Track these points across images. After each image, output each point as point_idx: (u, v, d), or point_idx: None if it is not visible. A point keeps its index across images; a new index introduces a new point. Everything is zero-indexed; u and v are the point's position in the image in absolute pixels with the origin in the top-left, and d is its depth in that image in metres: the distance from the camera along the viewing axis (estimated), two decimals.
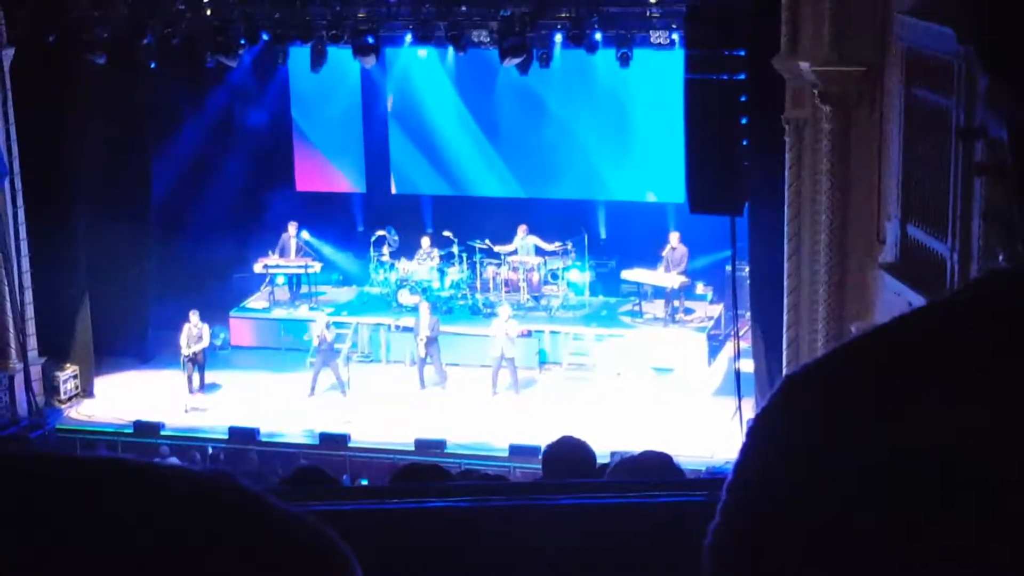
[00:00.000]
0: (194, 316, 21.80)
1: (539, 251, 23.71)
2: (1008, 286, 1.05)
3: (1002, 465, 0.95)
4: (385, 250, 24.33)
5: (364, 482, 16.09)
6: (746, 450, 1.07)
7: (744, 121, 17.03)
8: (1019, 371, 0.98)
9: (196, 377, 21.82)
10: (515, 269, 23.71)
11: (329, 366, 21.76)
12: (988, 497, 0.95)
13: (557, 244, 23.76)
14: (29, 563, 0.93)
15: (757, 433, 1.06)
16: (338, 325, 22.60)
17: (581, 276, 23.86)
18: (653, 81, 22.66)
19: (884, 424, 1.00)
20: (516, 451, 18.75)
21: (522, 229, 23.74)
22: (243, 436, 20.10)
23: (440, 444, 19.44)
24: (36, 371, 21.44)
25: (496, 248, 23.76)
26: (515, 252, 23.76)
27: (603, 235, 24.62)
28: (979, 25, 1.09)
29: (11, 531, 0.94)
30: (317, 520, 1.03)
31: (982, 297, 1.05)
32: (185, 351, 21.68)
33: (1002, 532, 0.95)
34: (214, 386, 22.05)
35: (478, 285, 23.99)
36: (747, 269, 19.95)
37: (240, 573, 0.97)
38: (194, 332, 21.73)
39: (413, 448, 19.24)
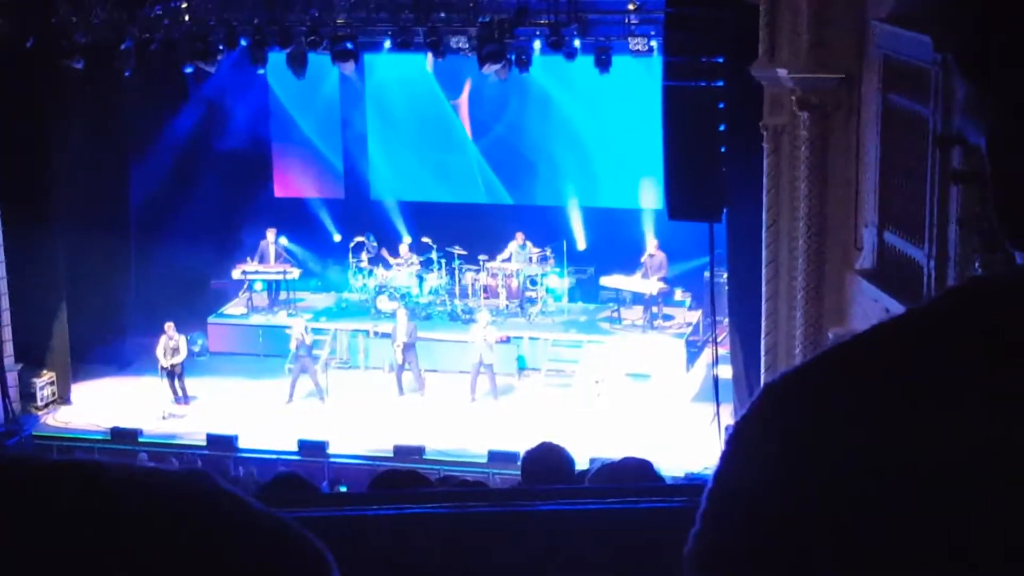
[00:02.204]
0: (170, 328, 21.67)
1: (532, 258, 23.65)
2: (985, 294, 1.06)
3: (979, 476, 0.96)
4: (364, 256, 24.31)
5: (343, 489, 16.05)
6: (725, 458, 1.07)
7: (722, 128, 17.08)
8: (997, 378, 0.99)
9: (178, 388, 21.73)
10: (494, 275, 23.72)
11: (307, 372, 21.71)
12: (962, 508, 0.95)
13: (536, 250, 23.79)
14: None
15: (736, 442, 1.07)
16: (316, 331, 22.57)
17: (560, 282, 23.87)
18: (632, 87, 22.70)
19: (862, 433, 1.00)
20: (495, 457, 18.74)
21: (520, 235, 23.70)
22: (221, 443, 20.04)
23: (419, 450, 19.42)
24: (12, 377, 21.34)
25: (491, 261, 23.63)
26: (509, 258, 23.74)
27: (582, 242, 24.65)
28: (957, 34, 1.10)
29: None
30: (296, 523, 1.03)
31: (959, 305, 1.06)
32: (163, 362, 21.57)
33: (981, 541, 0.95)
34: (195, 398, 21.98)
35: (457, 291, 23.99)
36: (725, 275, 20.00)
37: (219, 575, 0.97)
38: (170, 344, 21.62)
39: (392, 454, 19.22)
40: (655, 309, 22.88)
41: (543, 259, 23.76)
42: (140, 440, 20.40)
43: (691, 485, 7.80)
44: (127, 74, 21.49)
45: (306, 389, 21.81)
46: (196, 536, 0.97)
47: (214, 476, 1.02)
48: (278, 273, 24.18)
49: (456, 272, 23.99)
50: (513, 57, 20.62)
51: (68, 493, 0.97)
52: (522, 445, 9.64)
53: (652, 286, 22.62)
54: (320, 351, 22.25)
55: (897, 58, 14.66)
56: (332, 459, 19.63)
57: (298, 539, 1.02)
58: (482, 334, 21.44)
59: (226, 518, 1.00)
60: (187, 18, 21.18)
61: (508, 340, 22.39)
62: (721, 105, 16.99)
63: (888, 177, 15.27)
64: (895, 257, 15.26)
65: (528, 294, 23.65)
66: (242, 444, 20.14)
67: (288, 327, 22.68)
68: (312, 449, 19.72)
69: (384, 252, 24.14)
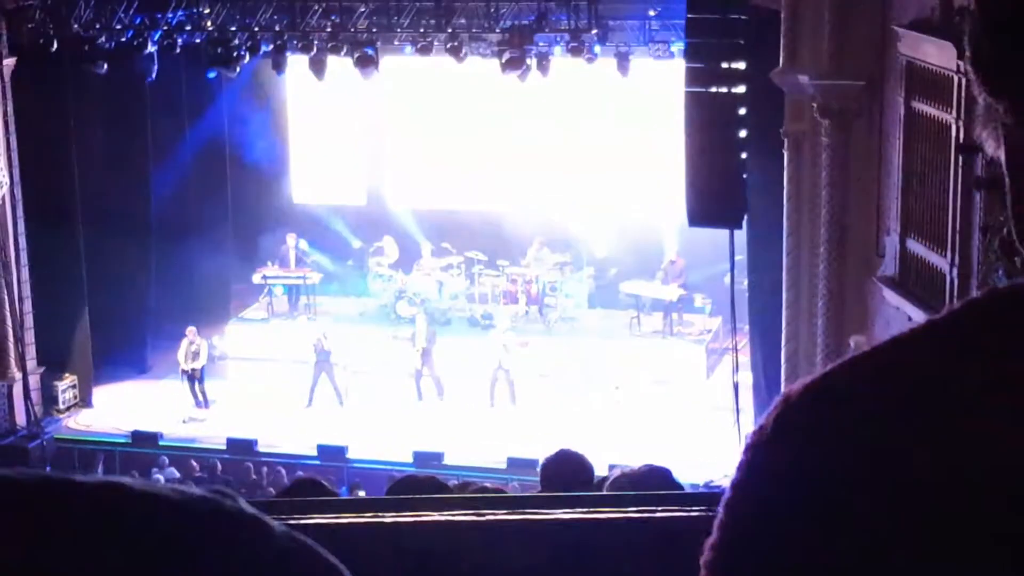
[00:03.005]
0: (191, 332, 21.75)
1: (548, 263, 23.68)
2: (1006, 305, 1.05)
3: (1001, 488, 0.95)
4: (384, 261, 24.34)
5: (362, 494, 16.07)
6: (743, 468, 1.06)
7: (743, 134, 17.04)
8: (1020, 392, 0.98)
9: (199, 392, 21.79)
10: (513, 281, 23.72)
11: (327, 377, 21.74)
12: (985, 521, 0.95)
13: (557, 256, 23.78)
14: None
15: (753, 452, 1.06)
16: (336, 336, 22.59)
17: (580, 288, 23.86)
18: (652, 93, 22.66)
19: (881, 446, 1.00)
20: (514, 464, 18.73)
21: (538, 241, 23.73)
22: (241, 447, 20.08)
23: (438, 456, 19.43)
24: (34, 381, 21.44)
25: (512, 268, 23.67)
26: (528, 264, 23.75)
27: (602, 247, 24.61)
28: (974, 45, 1.10)
29: (6, 557, 0.94)
30: (317, 545, 1.03)
31: (982, 315, 1.05)
32: (184, 366, 21.63)
33: (998, 552, 0.95)
34: (215, 402, 22.04)
35: (476, 296, 23.99)
36: (746, 282, 19.95)
37: None
38: (191, 348, 21.69)
39: (411, 460, 19.23)
40: (675, 315, 22.84)
41: (563, 265, 23.77)
42: (160, 443, 20.45)
43: (710, 494, 7.78)
44: (149, 79, 21.57)
45: (326, 394, 21.84)
46: (217, 559, 0.98)
47: (237, 498, 1.03)
48: (298, 278, 24.23)
49: (475, 277, 24.00)
50: (533, 62, 20.62)
51: (90, 513, 0.97)
52: (541, 451, 9.63)
53: (672, 292, 22.59)
54: (339, 356, 22.28)
55: (919, 65, 14.62)
56: (351, 464, 19.66)
57: (318, 563, 1.03)
58: (501, 339, 21.44)
59: (249, 543, 1.00)
60: (209, 23, 21.26)
61: (527, 346, 22.40)
62: (742, 111, 16.95)
63: (910, 184, 15.22)
64: (917, 264, 15.21)
65: (547, 300, 23.65)
66: (262, 448, 20.18)
67: (308, 331, 22.72)
68: (331, 453, 19.76)
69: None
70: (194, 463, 19.86)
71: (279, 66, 22.13)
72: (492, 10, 20.43)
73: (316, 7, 20.89)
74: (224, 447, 20.23)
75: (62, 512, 0.97)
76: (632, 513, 3.36)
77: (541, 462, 7.32)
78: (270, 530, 1.01)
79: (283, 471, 19.16)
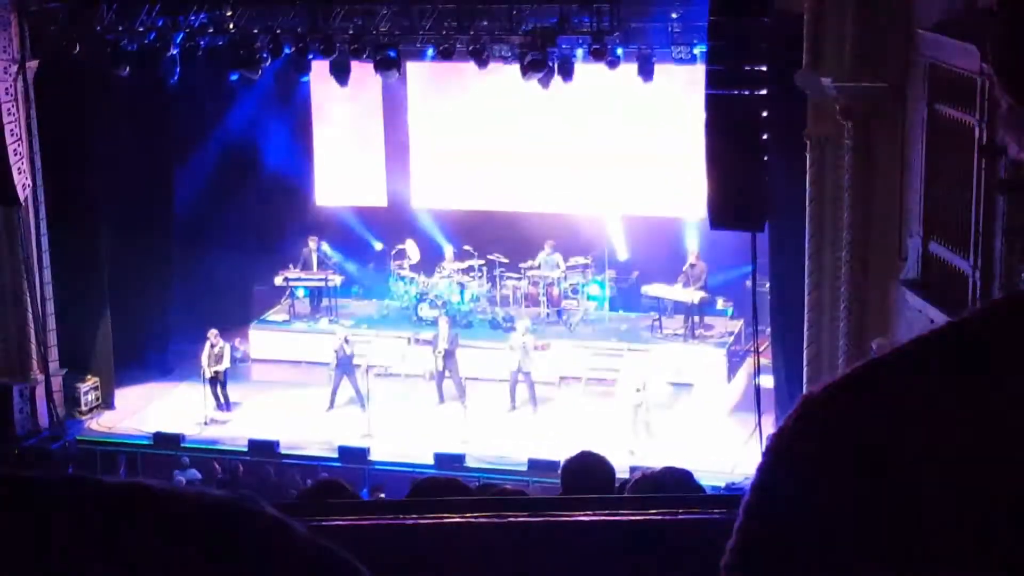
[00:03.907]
0: (213, 335, 21.78)
1: (560, 266, 23.72)
2: None
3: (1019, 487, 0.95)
4: (405, 264, 24.37)
5: (383, 496, 16.09)
6: (763, 471, 1.06)
7: (765, 137, 17.00)
8: None
9: (221, 394, 21.84)
10: (535, 283, 23.73)
11: (348, 379, 21.77)
12: (1013, 521, 0.94)
13: (578, 259, 23.78)
14: None
15: (774, 454, 1.06)
16: (357, 338, 22.62)
17: (601, 291, 23.85)
18: (675, 95, 22.64)
19: (903, 447, 0.99)
20: (535, 466, 18.73)
21: (549, 244, 23.76)
22: (263, 449, 20.12)
23: (459, 458, 19.44)
24: (57, 382, 21.53)
25: (522, 266, 23.77)
26: (538, 267, 23.77)
27: (623, 250, 24.60)
28: (997, 47, 1.09)
29: (28, 559, 0.94)
30: (342, 550, 1.03)
31: (1004, 317, 1.05)
32: (206, 371, 21.67)
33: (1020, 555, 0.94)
34: (238, 404, 22.09)
35: (498, 299, 24.00)
36: (767, 285, 19.90)
37: None
38: (214, 351, 21.74)
39: (432, 462, 19.25)
40: (696, 318, 22.82)
41: (584, 267, 23.75)
42: (182, 445, 20.50)
43: (731, 496, 7.77)
44: (172, 81, 21.64)
45: (347, 396, 21.88)
46: (239, 560, 0.98)
47: (260, 500, 1.03)
48: (320, 280, 24.28)
49: (497, 280, 24.01)
50: (555, 66, 20.62)
51: (113, 514, 0.98)
52: (562, 454, 9.63)
53: (693, 295, 22.56)
54: (361, 358, 22.31)
55: (943, 67, 14.57)
56: (373, 466, 19.69)
57: (340, 565, 1.03)
58: (521, 341, 21.45)
59: (274, 548, 1.00)
60: (231, 26, 21.31)
61: (548, 348, 22.40)
62: (764, 114, 16.92)
63: (933, 186, 15.17)
64: (940, 267, 15.15)
65: (568, 303, 23.65)
66: (283, 450, 20.21)
67: (330, 333, 22.76)
68: (353, 456, 19.79)
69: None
70: (216, 465, 19.92)
71: (301, 69, 22.17)
72: (514, 12, 20.43)
73: (338, 10, 20.92)
74: (246, 449, 20.28)
75: (88, 512, 0.97)
76: (653, 515, 3.36)
77: (562, 464, 7.33)
78: (293, 532, 1.01)
79: (298, 475, 19.20)
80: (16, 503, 0.97)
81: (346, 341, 21.95)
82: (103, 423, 21.93)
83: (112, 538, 0.96)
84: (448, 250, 24.34)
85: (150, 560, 0.95)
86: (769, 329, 20.09)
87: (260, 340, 23.96)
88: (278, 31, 21.11)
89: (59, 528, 0.96)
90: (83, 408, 21.89)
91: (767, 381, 19.42)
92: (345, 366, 21.80)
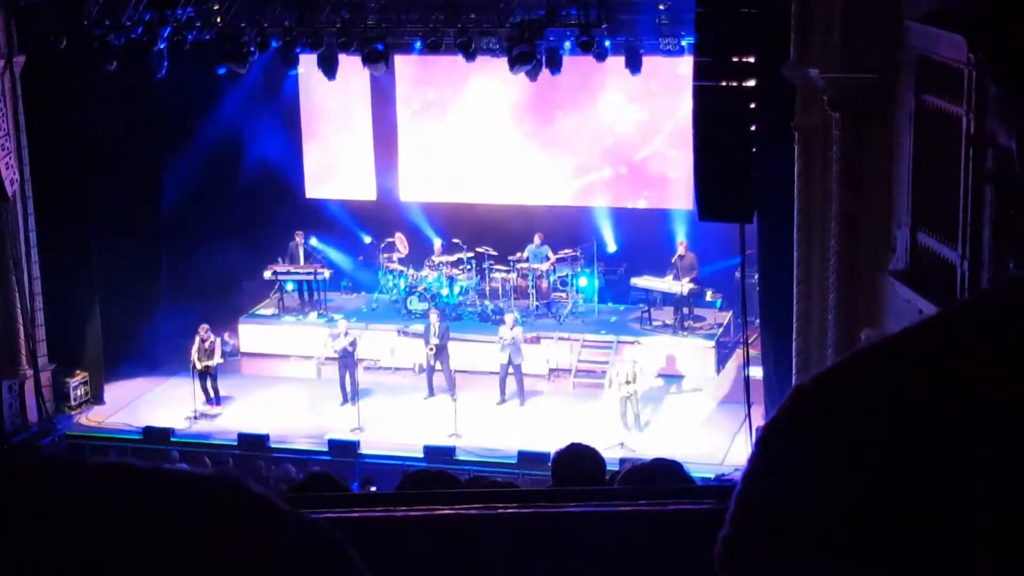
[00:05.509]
0: (204, 330, 21.74)
1: (549, 258, 23.74)
2: (1016, 296, 1.05)
3: (1010, 477, 0.95)
4: (395, 257, 24.36)
5: (373, 489, 16.09)
6: (754, 461, 1.07)
7: (753, 128, 17.00)
8: None
9: (211, 388, 21.81)
10: (524, 276, 23.74)
11: (349, 372, 21.71)
12: (1005, 513, 0.95)
13: (567, 251, 23.79)
14: (36, 567, 0.94)
15: (765, 444, 1.06)
16: (348, 332, 22.60)
17: (590, 283, 23.87)
18: (663, 87, 22.65)
19: (893, 437, 1.00)
20: (525, 458, 18.74)
21: (538, 236, 23.77)
22: (253, 443, 20.12)
23: (450, 451, 19.45)
24: (46, 377, 21.49)
25: (511, 258, 23.78)
26: (527, 259, 23.77)
27: (612, 242, 24.62)
28: (989, 36, 1.09)
29: (18, 537, 0.95)
30: (326, 524, 1.03)
31: (993, 307, 1.05)
32: (197, 364, 21.64)
33: (1016, 546, 0.94)
34: (228, 399, 22.07)
35: (487, 292, 24.01)
36: (756, 276, 19.93)
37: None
38: (205, 346, 21.70)
39: (422, 455, 19.26)
40: (686, 310, 22.85)
41: (573, 259, 23.77)
42: (172, 440, 20.50)
43: (721, 487, 7.79)
44: (159, 76, 21.60)
45: (338, 389, 21.85)
46: (225, 537, 0.98)
47: (244, 478, 1.03)
48: (308, 274, 24.26)
49: (486, 273, 24.02)
50: (543, 58, 20.61)
51: (100, 494, 0.98)
52: (552, 446, 9.64)
53: (683, 287, 22.58)
54: (354, 351, 22.29)
55: (931, 58, 14.59)
56: (363, 459, 19.69)
57: (326, 540, 1.03)
58: (510, 334, 21.45)
59: (258, 522, 1.00)
60: (218, 20, 21.27)
61: (537, 340, 22.40)
62: (752, 105, 16.92)
63: (921, 177, 15.20)
64: (928, 258, 15.18)
65: (557, 295, 23.66)
66: (273, 444, 20.21)
67: (322, 327, 22.75)
68: (343, 449, 19.79)
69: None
70: (206, 459, 19.89)
71: (289, 62, 22.14)
72: (502, 5, 20.41)
73: (326, 3, 20.89)
74: (236, 443, 20.27)
75: (70, 491, 0.98)
76: (643, 506, 3.36)
77: (552, 456, 7.33)
78: (276, 507, 1.01)
79: (292, 468, 19.20)
80: None
81: (345, 336, 21.90)
82: (93, 418, 21.91)
83: (95, 516, 0.96)
84: (437, 243, 24.34)
85: (134, 537, 0.96)
86: (758, 320, 20.13)
87: (249, 334, 23.95)
88: (266, 25, 21.08)
89: (41, 508, 0.96)
90: (72, 403, 21.86)
91: (756, 372, 19.46)
92: (346, 360, 21.76)
